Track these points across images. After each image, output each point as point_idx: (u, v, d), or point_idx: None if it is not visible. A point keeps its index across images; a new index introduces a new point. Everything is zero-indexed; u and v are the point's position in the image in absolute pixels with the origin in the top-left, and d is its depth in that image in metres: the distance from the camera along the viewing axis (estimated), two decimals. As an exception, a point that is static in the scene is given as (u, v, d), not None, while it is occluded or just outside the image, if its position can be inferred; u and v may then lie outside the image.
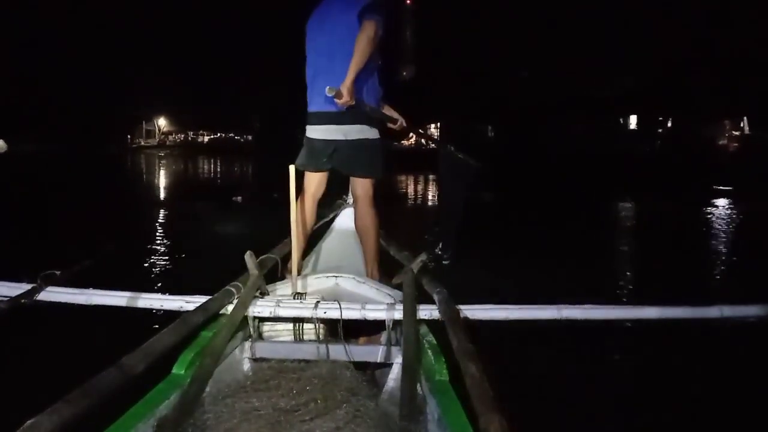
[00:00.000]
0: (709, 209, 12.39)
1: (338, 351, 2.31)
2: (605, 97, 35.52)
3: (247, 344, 2.39)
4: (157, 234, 8.37)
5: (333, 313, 2.34)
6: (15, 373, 3.23)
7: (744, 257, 7.31)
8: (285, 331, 2.49)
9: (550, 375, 3.38)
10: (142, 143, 79.16)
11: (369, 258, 3.27)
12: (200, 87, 70.33)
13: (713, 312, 2.37)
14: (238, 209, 11.97)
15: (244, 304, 2.31)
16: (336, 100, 2.80)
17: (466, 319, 2.25)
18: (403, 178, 21.44)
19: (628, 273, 6.57)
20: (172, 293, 2.56)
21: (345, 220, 3.88)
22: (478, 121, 39.48)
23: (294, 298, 2.52)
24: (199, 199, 14.02)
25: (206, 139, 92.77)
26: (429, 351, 2.09)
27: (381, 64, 3.14)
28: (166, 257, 6.58)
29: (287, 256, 2.93)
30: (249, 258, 2.52)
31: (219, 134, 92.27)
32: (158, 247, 7.11)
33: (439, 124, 48.36)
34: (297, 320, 2.45)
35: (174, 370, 1.94)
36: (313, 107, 3.18)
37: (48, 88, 52.79)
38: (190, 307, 2.29)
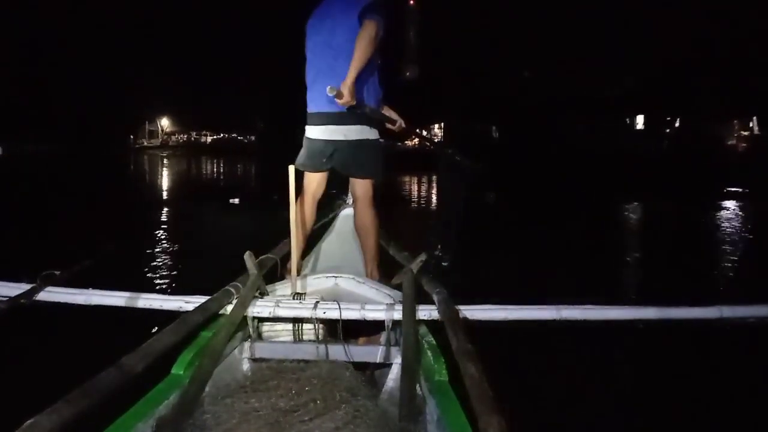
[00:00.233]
0: (721, 212, 12.18)
1: (338, 351, 2.30)
2: (611, 97, 35.02)
3: (247, 344, 2.38)
4: (146, 236, 8.32)
5: (332, 314, 2.34)
6: (14, 373, 3.23)
7: (757, 261, 7.18)
8: (284, 331, 2.49)
9: (550, 375, 3.38)
10: (145, 144, 79.23)
11: (368, 258, 3.27)
12: (203, 87, 70.54)
13: (713, 312, 2.37)
14: (234, 211, 11.80)
15: (243, 305, 2.31)
16: (337, 100, 2.80)
17: (465, 319, 2.25)
18: (406, 179, 21.40)
19: (631, 276, 6.52)
20: (171, 293, 2.56)
21: (345, 220, 3.88)
22: (481, 121, 39.26)
23: (293, 299, 2.52)
24: (196, 200, 13.99)
25: (209, 139, 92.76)
26: (428, 351, 2.09)
27: (381, 64, 3.14)
28: (156, 259, 6.58)
29: (287, 257, 2.93)
30: (248, 258, 2.52)
31: (222, 134, 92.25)
32: (146, 250, 7.11)
33: (442, 124, 48.16)
34: (296, 320, 2.45)
35: (173, 371, 1.94)
36: (313, 107, 3.18)
37: (50, 88, 52.84)
38: (190, 307, 2.29)
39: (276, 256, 2.98)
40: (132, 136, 76.27)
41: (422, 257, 2.75)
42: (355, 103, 2.87)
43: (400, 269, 2.93)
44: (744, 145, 32.83)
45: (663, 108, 33.95)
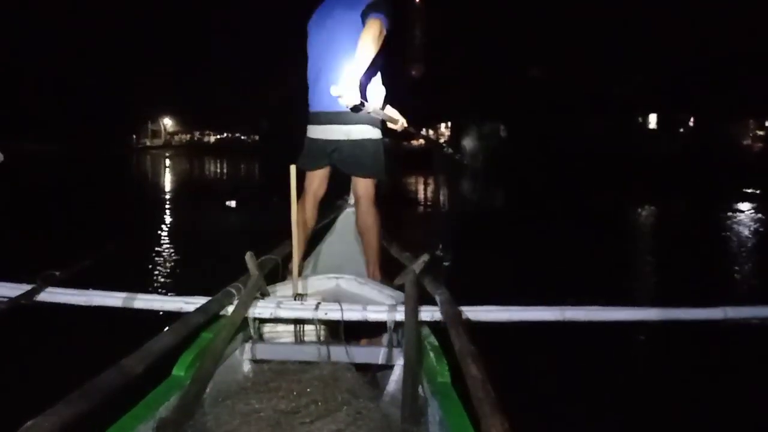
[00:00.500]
0: (736, 214, 11.94)
1: (339, 352, 2.29)
2: (623, 96, 34.38)
3: (248, 346, 2.37)
4: (146, 237, 8.30)
5: (334, 315, 2.33)
6: (15, 373, 3.22)
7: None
8: (286, 332, 2.48)
9: (553, 377, 3.37)
10: (148, 143, 79.24)
11: (370, 259, 3.26)
12: (206, 87, 70.54)
13: (717, 313, 2.36)
14: (230, 214, 11.64)
15: (244, 306, 2.30)
16: (340, 100, 2.79)
17: (468, 320, 2.23)
18: (412, 179, 21.35)
19: (640, 280, 6.45)
20: (171, 294, 2.55)
21: (346, 220, 3.87)
22: (490, 120, 39.07)
23: (295, 300, 2.51)
24: (197, 202, 13.92)
25: (212, 139, 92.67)
26: (431, 352, 2.08)
27: (384, 63, 3.13)
28: (156, 259, 6.57)
29: (288, 257, 2.92)
30: (249, 259, 2.50)
31: (225, 134, 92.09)
32: (147, 250, 7.11)
33: (449, 123, 48.00)
34: (298, 321, 2.44)
35: (174, 372, 1.93)
36: (314, 107, 3.17)
37: (52, 87, 52.89)
38: (190, 308, 2.27)
39: (277, 256, 2.97)
40: (134, 136, 76.33)
41: (424, 258, 2.73)
42: (358, 102, 2.85)
43: (402, 270, 2.92)
44: (759, 145, 32.37)
45: (676, 107, 33.33)
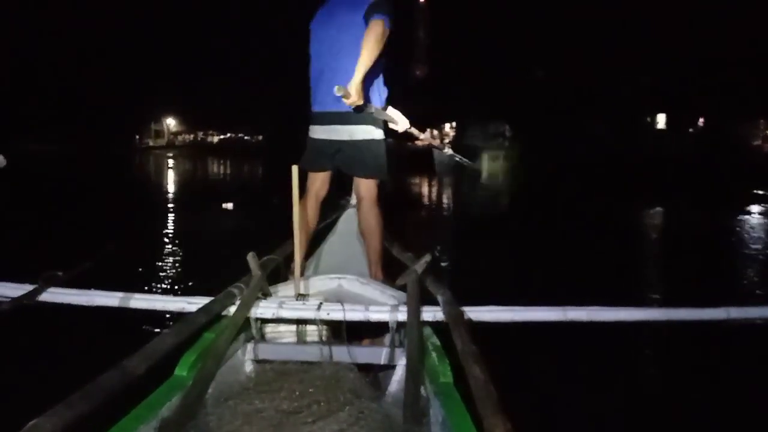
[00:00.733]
0: (746, 216, 11.75)
1: (341, 353, 2.29)
2: (631, 96, 33.60)
3: (250, 346, 2.37)
4: (148, 237, 8.29)
5: (336, 315, 2.33)
6: (17, 374, 3.23)
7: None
8: (288, 332, 2.48)
9: (556, 377, 3.36)
10: (151, 144, 79.27)
11: (372, 259, 3.26)
12: (210, 86, 70.52)
13: (720, 314, 2.35)
14: (228, 217, 11.36)
15: (246, 306, 2.29)
16: (344, 100, 2.78)
17: (470, 320, 2.23)
18: (415, 180, 21.33)
19: (645, 283, 6.37)
20: (173, 295, 2.55)
21: (348, 220, 3.87)
22: (495, 120, 38.75)
23: (297, 300, 2.51)
24: (199, 203, 13.88)
25: (216, 139, 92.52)
26: (433, 353, 2.08)
27: (387, 63, 3.13)
28: (158, 260, 6.57)
29: (290, 257, 2.91)
30: (251, 259, 2.50)
31: (229, 134, 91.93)
32: (148, 251, 7.10)
33: (454, 123, 47.86)
34: (300, 322, 2.43)
35: (176, 372, 1.93)
36: (317, 107, 3.17)
37: (56, 88, 52.94)
38: (192, 308, 2.27)
39: (279, 256, 2.97)
40: (137, 136, 76.41)
41: (426, 258, 2.73)
42: (362, 102, 2.85)
43: (404, 270, 2.92)
44: (770, 145, 31.89)
45: (685, 107, 32.52)
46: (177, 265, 6.50)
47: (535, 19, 38.23)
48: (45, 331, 3.43)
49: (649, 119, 36.28)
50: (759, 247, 8.66)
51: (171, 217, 11.88)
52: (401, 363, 2.27)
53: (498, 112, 37.43)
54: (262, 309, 2.37)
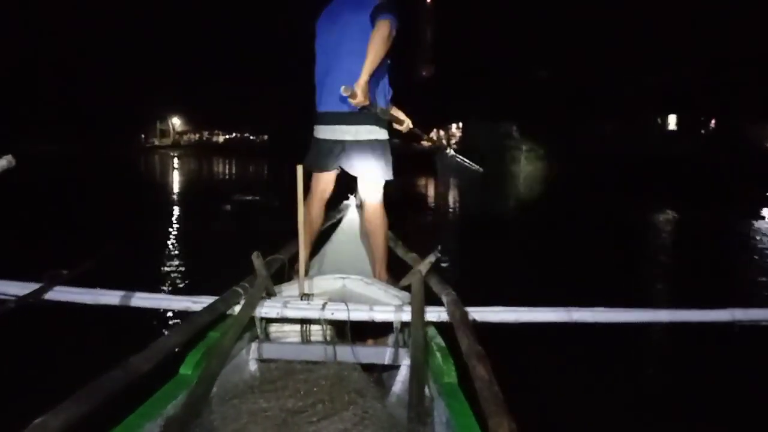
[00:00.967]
0: (759, 221, 11.47)
1: (346, 352, 2.29)
2: (641, 96, 33.14)
3: (254, 345, 2.38)
4: (152, 237, 8.28)
5: (340, 315, 2.33)
6: (22, 372, 3.24)
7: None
8: (292, 332, 2.48)
9: (560, 378, 3.36)
10: (156, 143, 79.43)
11: (377, 259, 3.26)
12: (215, 86, 70.57)
13: (725, 316, 2.34)
14: (227, 219, 11.22)
15: (251, 305, 2.30)
16: (350, 100, 2.79)
17: (474, 321, 2.23)
18: (420, 181, 21.28)
19: (650, 287, 6.31)
20: (178, 294, 2.55)
21: (353, 221, 3.87)
22: (502, 120, 38.40)
23: (301, 299, 2.51)
24: (193, 206, 13.84)
25: (221, 138, 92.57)
26: (437, 353, 2.08)
27: (391, 64, 3.13)
28: (163, 259, 6.58)
29: (294, 257, 2.91)
30: (256, 259, 2.51)
31: (234, 134, 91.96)
32: (153, 250, 7.10)
33: (461, 124, 47.71)
34: (304, 321, 2.44)
35: (181, 371, 1.93)
36: (322, 107, 3.17)
37: (61, 88, 53.04)
38: (197, 307, 2.28)
39: (284, 256, 2.98)
40: (143, 135, 76.57)
41: (431, 258, 2.73)
42: (368, 103, 2.85)
43: (408, 270, 2.92)
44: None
45: (696, 108, 31.97)
46: (181, 264, 6.51)
47: (542, 19, 37.96)
48: (50, 329, 3.44)
49: (659, 120, 35.70)
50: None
51: (174, 217, 11.90)
52: (405, 363, 2.27)
53: (505, 112, 37.19)
54: (267, 308, 2.38)
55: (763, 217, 12.14)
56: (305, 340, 2.45)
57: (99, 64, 58.00)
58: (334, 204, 3.76)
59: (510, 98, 36.45)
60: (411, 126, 3.38)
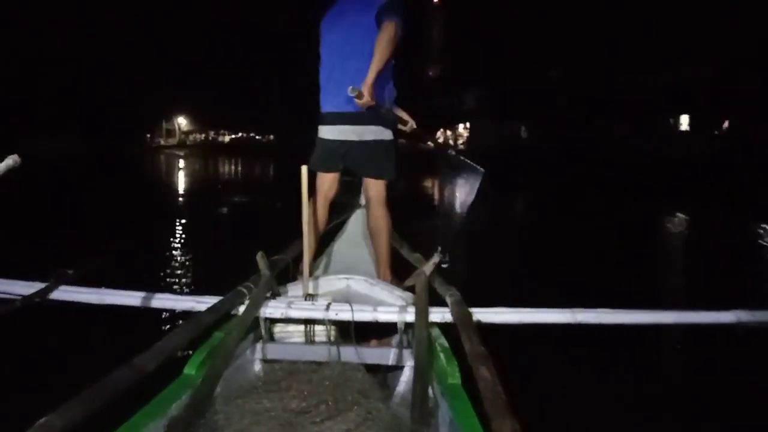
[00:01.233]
0: None
1: (350, 353, 2.29)
2: (653, 96, 32.25)
3: (259, 345, 2.38)
4: (157, 237, 8.28)
5: (344, 315, 2.33)
6: (28, 371, 3.25)
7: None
8: (296, 332, 2.48)
9: (564, 379, 3.35)
10: (162, 143, 79.60)
11: (381, 260, 3.26)
12: (221, 86, 70.67)
13: (730, 317, 2.33)
14: (222, 222, 11.06)
15: (255, 305, 2.30)
16: (357, 101, 2.79)
17: (478, 322, 2.23)
18: (423, 181, 21.18)
19: (657, 285, 6.25)
20: (183, 293, 2.56)
21: (357, 221, 3.87)
22: (511, 120, 38.03)
23: (305, 300, 2.51)
24: (194, 207, 13.81)
25: (227, 138, 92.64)
26: (441, 354, 2.08)
27: (396, 64, 3.13)
28: (168, 258, 6.59)
29: (299, 257, 2.92)
30: (260, 259, 2.51)
31: (240, 134, 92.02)
32: (158, 250, 7.11)
33: (468, 124, 47.56)
34: (308, 322, 2.44)
35: (185, 371, 1.94)
36: (326, 107, 3.18)
37: (65, 86, 53.18)
38: (202, 307, 2.28)
39: (288, 256, 2.98)
40: (149, 135, 76.73)
41: (435, 259, 2.73)
42: (374, 103, 2.86)
43: (412, 271, 2.92)
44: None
45: (709, 108, 31.07)
46: (186, 264, 6.53)
47: (551, 18, 37.65)
48: (56, 328, 3.45)
49: (671, 120, 34.91)
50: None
51: (180, 218, 11.91)
52: (409, 364, 2.27)
53: (513, 112, 36.89)
54: (271, 309, 2.38)
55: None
56: (309, 340, 2.45)
57: (105, 63, 58.11)
58: (339, 204, 3.76)
59: (518, 98, 36.22)
60: (414, 126, 3.38)
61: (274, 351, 2.37)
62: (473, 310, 2.28)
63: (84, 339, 3.55)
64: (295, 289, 2.73)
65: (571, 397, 3.16)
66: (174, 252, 7.26)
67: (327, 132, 3.21)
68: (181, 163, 39.84)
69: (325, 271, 3.31)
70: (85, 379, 1.48)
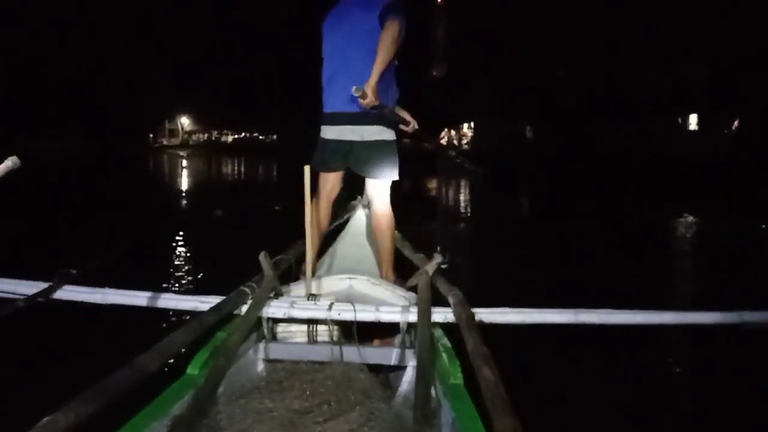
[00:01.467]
0: None
1: (352, 353, 2.29)
2: (660, 95, 31.79)
3: (261, 345, 2.38)
4: (161, 237, 8.28)
5: (347, 315, 2.34)
6: (31, 370, 3.26)
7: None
8: (299, 332, 2.48)
9: (566, 380, 3.35)
10: (165, 143, 79.74)
11: (383, 259, 3.26)
12: (224, 86, 70.87)
13: (733, 318, 2.33)
14: (212, 226, 10.56)
15: (258, 305, 2.31)
16: (360, 101, 2.79)
17: (481, 322, 2.23)
18: (426, 181, 21.16)
19: (663, 286, 6.19)
20: (186, 293, 2.56)
21: (360, 221, 3.88)
22: (516, 120, 37.75)
23: (308, 300, 2.52)
24: (202, 205, 13.79)
25: (230, 138, 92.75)
26: (443, 354, 2.08)
27: (399, 65, 3.13)
28: (171, 258, 6.59)
29: (301, 257, 2.92)
30: (263, 259, 2.51)
31: (243, 134, 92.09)
32: (161, 250, 7.11)
33: (473, 123, 47.40)
34: (311, 321, 2.44)
35: (188, 370, 1.94)
36: (329, 108, 3.18)
37: (69, 87, 53.27)
38: (205, 307, 2.29)
39: (291, 256, 2.99)
40: (151, 135, 76.84)
41: (437, 259, 2.73)
42: (378, 103, 2.86)
43: (415, 271, 2.92)
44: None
45: (719, 107, 30.49)
46: (189, 264, 6.54)
47: (557, 17, 37.41)
48: (59, 328, 3.46)
49: (680, 120, 34.27)
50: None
51: (183, 218, 11.93)
52: (412, 364, 2.27)
53: (518, 112, 36.66)
54: (274, 308, 2.38)
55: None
56: (312, 340, 2.46)
57: (106, 63, 58.32)
58: (342, 204, 3.77)
59: (524, 98, 36.04)
60: (416, 127, 3.38)
61: (276, 351, 2.37)
62: (476, 310, 2.28)
63: (87, 339, 3.55)
64: (297, 289, 2.73)
65: (574, 398, 3.15)
66: (176, 252, 7.26)
67: (329, 132, 3.21)
68: (184, 162, 39.88)
69: (328, 271, 3.31)
70: (88, 378, 1.48)
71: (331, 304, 2.39)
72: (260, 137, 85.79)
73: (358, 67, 2.90)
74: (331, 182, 3.31)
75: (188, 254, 7.16)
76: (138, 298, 2.49)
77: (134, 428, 1.55)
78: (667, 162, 22.44)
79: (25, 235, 7.59)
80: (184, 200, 15.77)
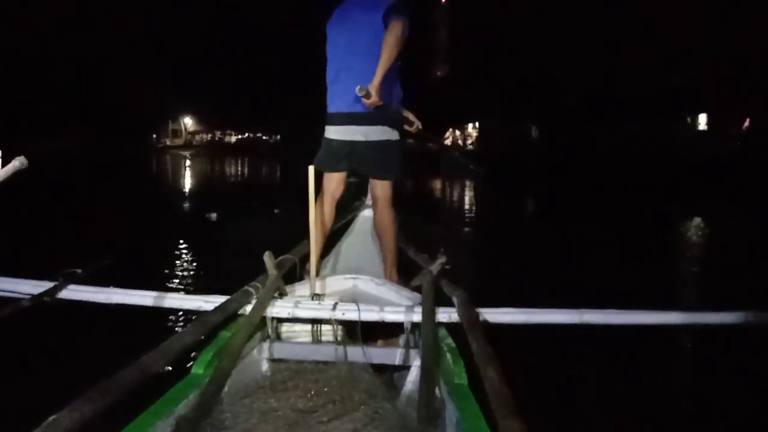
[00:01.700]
0: None
1: (356, 353, 2.29)
2: (669, 95, 31.30)
3: (266, 345, 2.39)
4: (164, 237, 8.31)
5: (351, 315, 2.34)
6: (36, 369, 3.27)
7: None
8: (303, 332, 2.49)
9: (570, 379, 3.35)
10: (168, 143, 79.88)
11: (387, 259, 3.26)
12: (228, 86, 70.94)
13: (738, 318, 2.32)
14: (206, 228, 10.31)
15: (262, 305, 2.31)
16: (364, 101, 2.80)
17: (485, 322, 2.23)
18: (429, 181, 21.13)
19: (668, 287, 6.17)
20: (191, 293, 2.57)
21: (363, 221, 3.88)
22: (521, 120, 37.54)
23: (312, 300, 2.52)
24: (215, 205, 13.80)
25: (233, 139, 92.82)
26: (448, 354, 2.08)
27: (402, 65, 3.13)
28: (175, 258, 6.60)
29: (306, 257, 2.93)
30: (267, 258, 2.52)
31: (246, 134, 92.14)
32: (165, 250, 7.13)
33: (477, 124, 47.26)
34: (315, 321, 2.44)
35: (193, 370, 1.94)
36: (333, 108, 3.18)
37: (72, 87, 53.37)
38: (209, 307, 2.29)
39: (295, 256, 2.98)
40: (155, 135, 76.98)
41: (441, 259, 2.73)
42: (381, 103, 2.86)
43: (419, 271, 2.92)
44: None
45: (728, 107, 30.01)
46: (193, 264, 6.55)
47: (562, 16, 37.20)
48: (64, 327, 3.47)
49: (689, 119, 33.90)
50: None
51: (187, 218, 11.94)
52: (416, 364, 2.27)
53: (524, 112, 36.47)
54: (278, 308, 2.39)
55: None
56: (316, 340, 2.46)
57: (108, 63, 58.38)
58: (346, 204, 3.77)
59: (529, 98, 35.87)
60: (420, 127, 3.39)
61: (281, 350, 2.37)
62: (480, 310, 2.28)
63: (92, 338, 3.56)
64: (302, 289, 2.73)
65: (578, 398, 3.15)
66: (180, 252, 7.27)
67: (333, 132, 3.21)
68: (187, 162, 39.91)
69: (332, 271, 3.31)
70: (93, 377, 1.49)
71: (336, 303, 2.40)
72: (264, 137, 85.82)
73: (363, 67, 2.90)
74: (335, 182, 3.31)
75: (191, 254, 7.17)
76: (143, 297, 2.49)
77: (139, 427, 1.55)
78: (670, 162, 22.18)
79: (25, 235, 7.61)
80: (186, 202, 15.77)
